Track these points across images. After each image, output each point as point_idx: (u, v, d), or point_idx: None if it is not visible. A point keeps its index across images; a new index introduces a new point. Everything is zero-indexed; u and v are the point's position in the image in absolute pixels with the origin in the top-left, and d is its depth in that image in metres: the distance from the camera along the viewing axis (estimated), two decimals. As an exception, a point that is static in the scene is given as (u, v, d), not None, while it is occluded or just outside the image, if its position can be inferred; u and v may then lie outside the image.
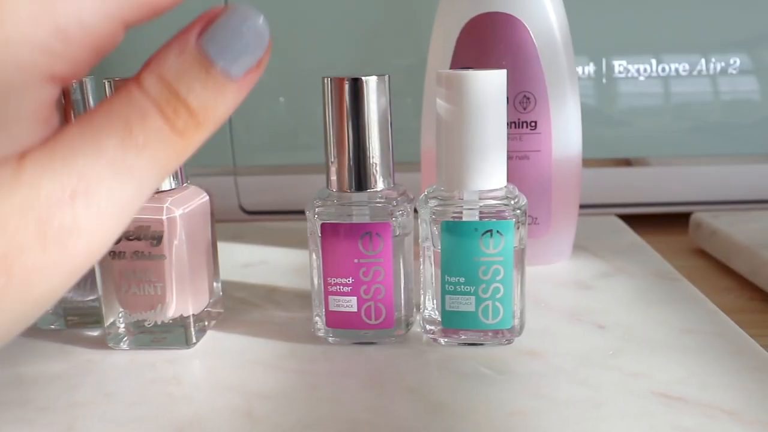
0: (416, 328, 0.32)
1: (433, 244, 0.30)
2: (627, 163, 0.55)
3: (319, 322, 0.31)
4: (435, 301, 0.30)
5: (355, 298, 0.30)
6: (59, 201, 0.17)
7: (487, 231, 0.29)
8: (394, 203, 0.30)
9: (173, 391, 0.28)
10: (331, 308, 0.30)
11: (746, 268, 0.43)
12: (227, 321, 0.34)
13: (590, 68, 0.53)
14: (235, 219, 0.57)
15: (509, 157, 0.38)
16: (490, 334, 0.30)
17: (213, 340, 0.32)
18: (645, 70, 0.53)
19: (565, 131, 0.39)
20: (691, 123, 0.55)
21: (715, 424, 0.24)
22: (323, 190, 0.31)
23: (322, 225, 0.30)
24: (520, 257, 0.30)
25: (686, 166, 0.54)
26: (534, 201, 0.39)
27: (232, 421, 0.25)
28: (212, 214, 0.34)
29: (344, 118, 0.29)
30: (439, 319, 0.30)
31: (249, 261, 0.44)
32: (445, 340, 0.31)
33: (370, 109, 0.29)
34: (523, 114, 0.38)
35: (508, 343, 0.30)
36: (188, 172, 0.33)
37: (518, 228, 0.29)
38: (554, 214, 0.40)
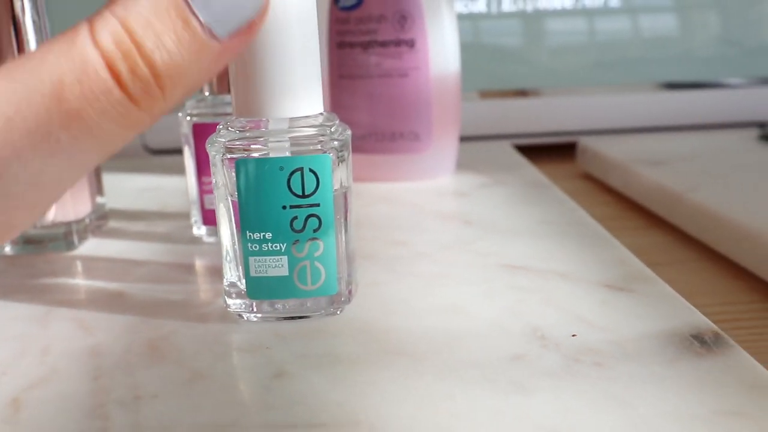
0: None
1: (230, 193, 0.23)
2: (522, 94, 0.57)
3: (197, 222, 0.33)
4: (239, 267, 0.24)
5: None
6: None
7: (297, 170, 0.22)
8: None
9: (48, 282, 0.29)
10: (207, 207, 0.32)
11: (620, 182, 0.46)
12: (112, 231, 0.35)
13: None
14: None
15: (389, 75, 0.40)
16: (308, 303, 0.24)
17: (95, 245, 0.33)
18: None
19: (442, 48, 0.41)
20: (583, 57, 0.58)
21: (546, 283, 0.27)
22: (198, 93, 0.32)
23: (194, 126, 0.31)
24: (344, 204, 0.24)
25: (574, 96, 0.57)
26: (414, 117, 0.41)
27: (102, 300, 0.27)
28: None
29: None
30: (244, 288, 0.24)
31: (145, 187, 0.45)
32: (256, 315, 0.24)
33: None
34: (402, 33, 0.40)
35: (335, 313, 0.25)
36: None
37: (338, 165, 0.23)
38: (435, 129, 0.42)
